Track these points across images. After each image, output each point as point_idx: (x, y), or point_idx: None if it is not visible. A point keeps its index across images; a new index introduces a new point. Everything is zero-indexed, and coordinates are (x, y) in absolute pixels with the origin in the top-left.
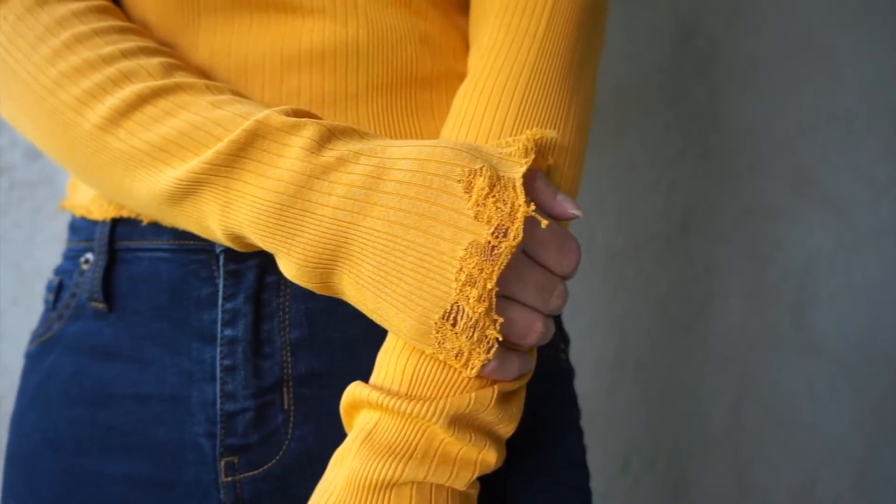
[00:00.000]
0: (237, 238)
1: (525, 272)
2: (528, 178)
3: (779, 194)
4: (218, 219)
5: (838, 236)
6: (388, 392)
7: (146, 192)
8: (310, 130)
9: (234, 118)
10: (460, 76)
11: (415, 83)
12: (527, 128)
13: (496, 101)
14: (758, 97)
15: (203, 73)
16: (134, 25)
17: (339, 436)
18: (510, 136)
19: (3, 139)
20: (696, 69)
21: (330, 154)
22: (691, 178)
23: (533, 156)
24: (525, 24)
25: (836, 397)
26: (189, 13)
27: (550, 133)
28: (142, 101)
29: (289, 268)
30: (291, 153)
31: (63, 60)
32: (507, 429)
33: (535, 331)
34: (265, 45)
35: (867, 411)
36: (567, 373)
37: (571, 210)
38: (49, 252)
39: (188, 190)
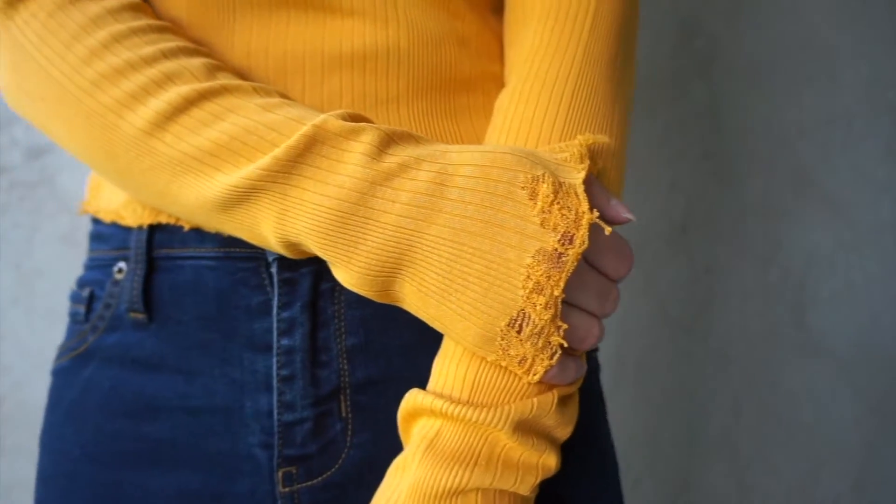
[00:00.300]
0: (292, 246)
1: (586, 278)
2: (586, 184)
3: (779, 194)
4: (273, 226)
5: (838, 236)
6: (450, 399)
7: (194, 198)
8: (369, 136)
9: (288, 122)
10: (496, 78)
11: (454, 85)
12: (576, 131)
13: (545, 105)
14: (758, 97)
15: (240, 73)
16: (170, 24)
17: (396, 442)
18: (560, 139)
19: (3, 139)
20: (696, 69)
21: (391, 160)
22: (691, 178)
23: (588, 162)
24: (569, 29)
25: (836, 397)
26: (224, 11)
27: (602, 138)
28: (188, 104)
29: (348, 276)
30: (352, 159)
31: (101, 60)
32: (564, 432)
33: (593, 335)
34: (305, 45)
35: (867, 411)
36: (597, 371)
37: (625, 214)
38: (49, 252)
39: (242, 197)
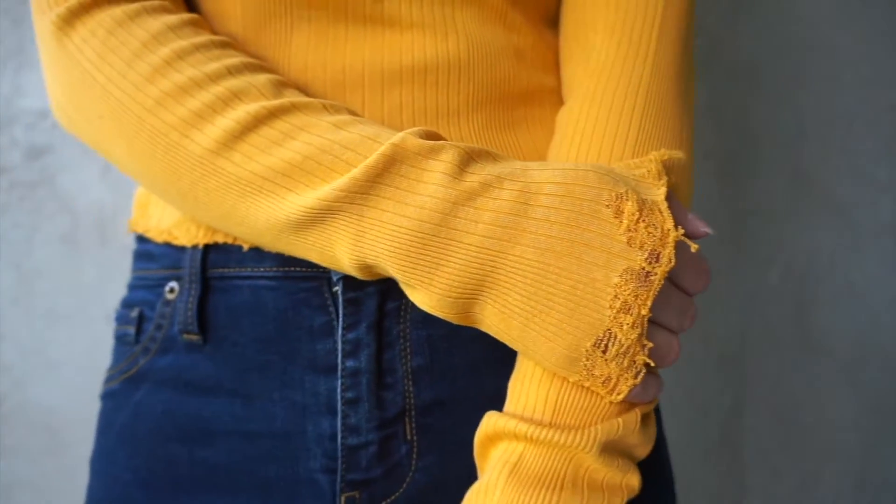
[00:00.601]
0: (367, 268)
1: (669, 295)
2: (667, 200)
3: (779, 194)
4: (349, 248)
5: (838, 236)
6: (533, 421)
7: (263, 219)
8: (449, 154)
9: (364, 141)
10: (552, 90)
11: (511, 98)
12: (648, 147)
13: (616, 119)
14: (758, 97)
15: (298, 87)
16: (230, 40)
17: (462, 463)
18: (632, 154)
19: (3, 139)
20: (697, 69)
21: (473, 179)
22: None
23: (666, 178)
24: (636, 43)
25: (836, 397)
26: (280, 26)
27: (676, 153)
28: (257, 122)
29: (428, 299)
30: (433, 179)
31: (164, 78)
32: (645, 451)
33: (673, 352)
34: (363, 59)
35: (867, 411)
36: None
37: (703, 228)
38: (49, 252)
39: (317, 218)
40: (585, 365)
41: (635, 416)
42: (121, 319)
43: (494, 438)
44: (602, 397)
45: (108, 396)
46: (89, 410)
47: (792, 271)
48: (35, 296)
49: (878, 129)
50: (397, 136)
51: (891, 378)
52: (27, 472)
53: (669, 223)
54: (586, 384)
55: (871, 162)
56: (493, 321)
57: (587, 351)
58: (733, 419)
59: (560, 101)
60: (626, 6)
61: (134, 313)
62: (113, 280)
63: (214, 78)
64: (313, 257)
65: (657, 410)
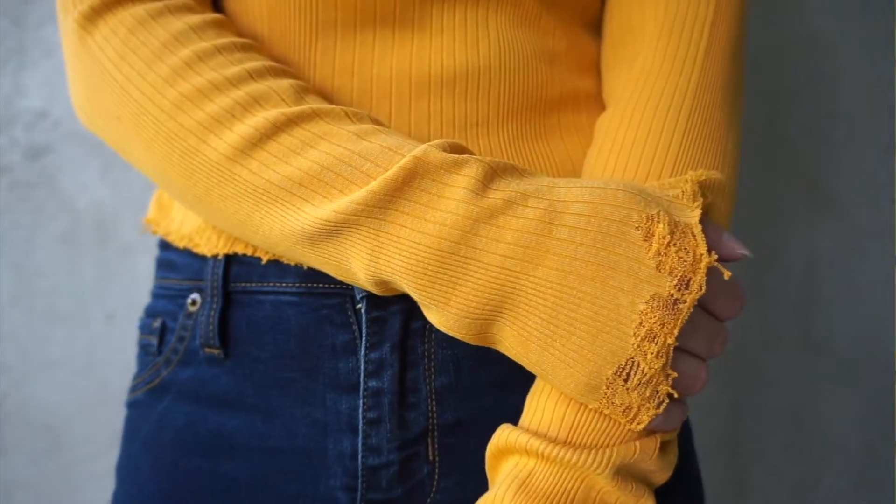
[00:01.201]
0: (383, 284)
1: (698, 322)
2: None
3: (779, 194)
4: (365, 264)
5: (838, 236)
6: (546, 438)
7: (278, 229)
8: (472, 169)
9: (384, 152)
10: (587, 95)
11: (544, 105)
12: (690, 160)
13: (658, 130)
14: (758, 97)
15: (323, 95)
16: (254, 42)
17: (484, 484)
18: (672, 167)
19: (3, 139)
20: None
21: (496, 196)
22: None
23: (701, 200)
24: (684, 51)
25: (836, 397)
26: (305, 28)
27: (714, 174)
28: (276, 129)
29: (444, 319)
30: (455, 194)
31: (184, 80)
32: (662, 477)
33: (700, 380)
34: (391, 67)
35: (867, 411)
36: None
37: (740, 250)
38: (49, 252)
39: (333, 231)
40: (606, 393)
41: (654, 441)
42: (144, 329)
43: (506, 452)
44: None
45: (133, 405)
46: (89, 410)
47: (792, 271)
48: (35, 296)
49: (879, 129)
50: (419, 149)
51: (891, 378)
52: (27, 472)
53: (702, 248)
54: (606, 412)
55: (871, 162)
56: (511, 343)
57: (608, 379)
58: (733, 419)
59: (597, 105)
60: (676, 10)
61: (157, 324)
62: (113, 280)
63: (235, 82)
64: (329, 270)
65: (686, 424)
